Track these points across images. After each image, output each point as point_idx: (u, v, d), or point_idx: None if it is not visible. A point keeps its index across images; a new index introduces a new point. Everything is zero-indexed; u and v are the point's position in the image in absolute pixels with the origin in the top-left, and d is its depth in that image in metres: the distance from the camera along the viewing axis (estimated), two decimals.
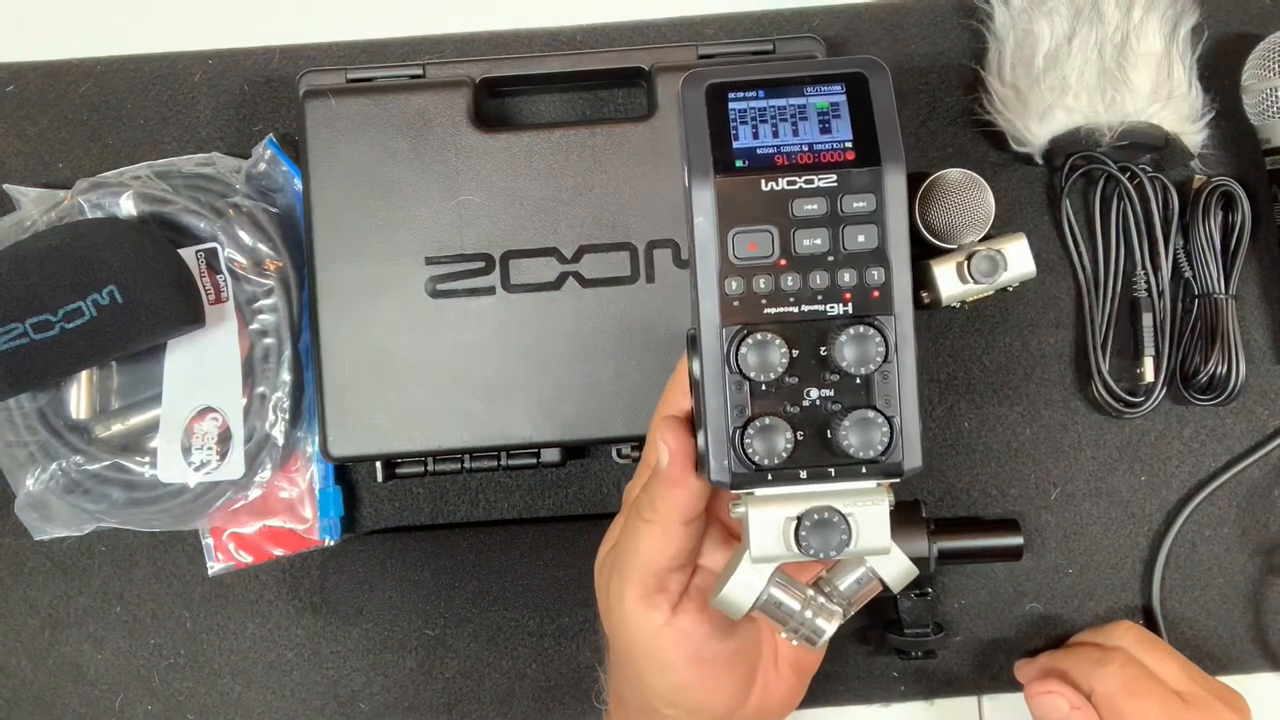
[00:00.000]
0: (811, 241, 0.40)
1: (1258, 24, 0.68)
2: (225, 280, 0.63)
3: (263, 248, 0.63)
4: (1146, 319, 0.66)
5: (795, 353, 0.40)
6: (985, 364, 0.67)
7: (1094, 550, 0.67)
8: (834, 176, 0.40)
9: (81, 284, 0.57)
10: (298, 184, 0.65)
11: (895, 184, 0.40)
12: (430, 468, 0.64)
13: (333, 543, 0.65)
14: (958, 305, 0.66)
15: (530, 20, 0.69)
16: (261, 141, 0.66)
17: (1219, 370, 0.65)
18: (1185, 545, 0.67)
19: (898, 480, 0.41)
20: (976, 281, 0.64)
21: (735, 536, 0.47)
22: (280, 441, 0.63)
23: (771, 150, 0.40)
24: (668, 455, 0.42)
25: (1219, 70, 0.67)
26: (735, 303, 0.40)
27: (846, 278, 0.40)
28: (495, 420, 0.62)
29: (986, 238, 0.65)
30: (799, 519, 0.40)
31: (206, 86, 0.68)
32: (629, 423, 0.62)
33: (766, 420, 0.39)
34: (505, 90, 0.67)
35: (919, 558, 0.61)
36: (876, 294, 0.40)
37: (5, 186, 0.66)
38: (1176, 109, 0.63)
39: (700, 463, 0.41)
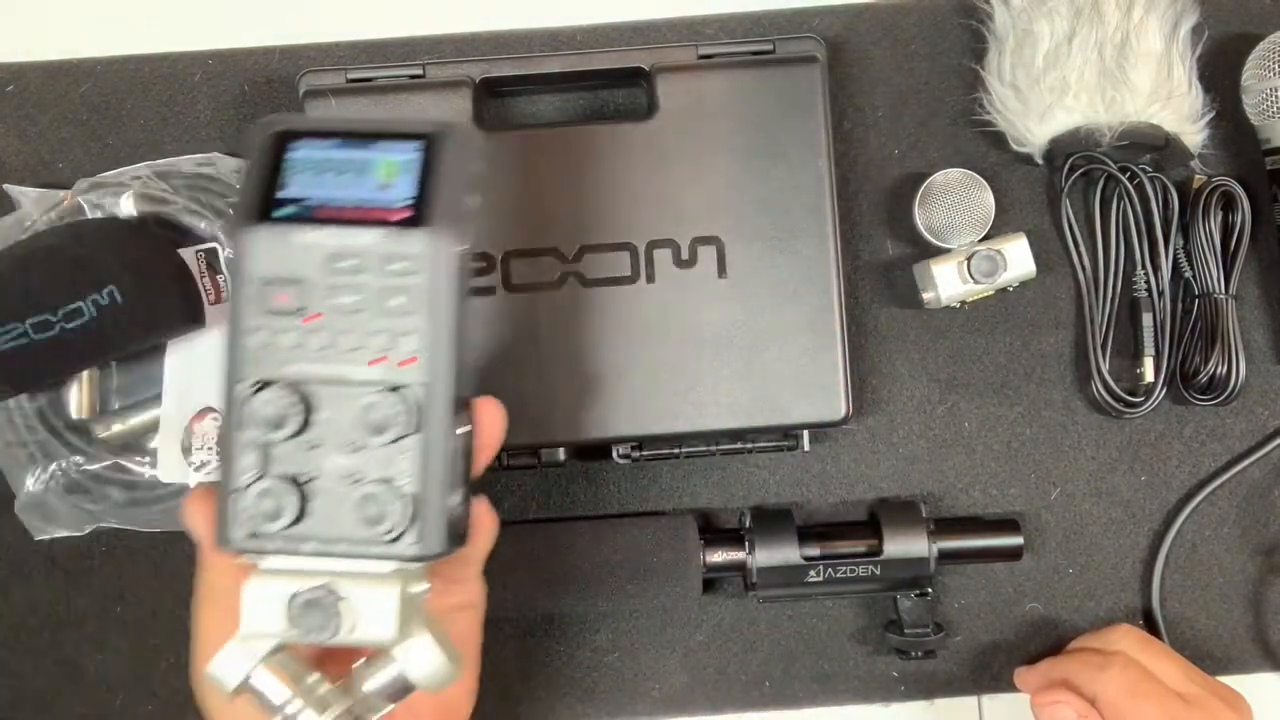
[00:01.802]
0: (343, 299, 0.38)
1: (1258, 24, 0.68)
2: (225, 280, 0.63)
3: None
4: (1146, 319, 0.66)
5: (315, 415, 0.38)
6: (985, 364, 0.67)
7: (1094, 550, 0.67)
8: (378, 234, 0.38)
9: (81, 284, 0.57)
10: None
11: (443, 250, 0.38)
12: None
13: None
14: (958, 305, 0.66)
15: (530, 20, 0.69)
16: None
17: (1219, 370, 0.65)
18: (1185, 545, 0.67)
19: (417, 565, 0.38)
20: (976, 281, 0.64)
21: None
22: None
23: (318, 202, 0.38)
24: (196, 533, 0.40)
25: (1219, 70, 0.67)
26: (256, 356, 0.38)
27: (377, 341, 0.38)
28: None
29: (986, 238, 0.65)
30: (294, 596, 0.37)
31: (206, 86, 0.68)
32: (629, 423, 0.62)
33: (270, 483, 0.38)
34: (505, 90, 0.67)
35: (919, 558, 0.61)
36: (408, 361, 0.38)
37: (5, 186, 0.66)
38: (1176, 109, 0.63)
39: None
